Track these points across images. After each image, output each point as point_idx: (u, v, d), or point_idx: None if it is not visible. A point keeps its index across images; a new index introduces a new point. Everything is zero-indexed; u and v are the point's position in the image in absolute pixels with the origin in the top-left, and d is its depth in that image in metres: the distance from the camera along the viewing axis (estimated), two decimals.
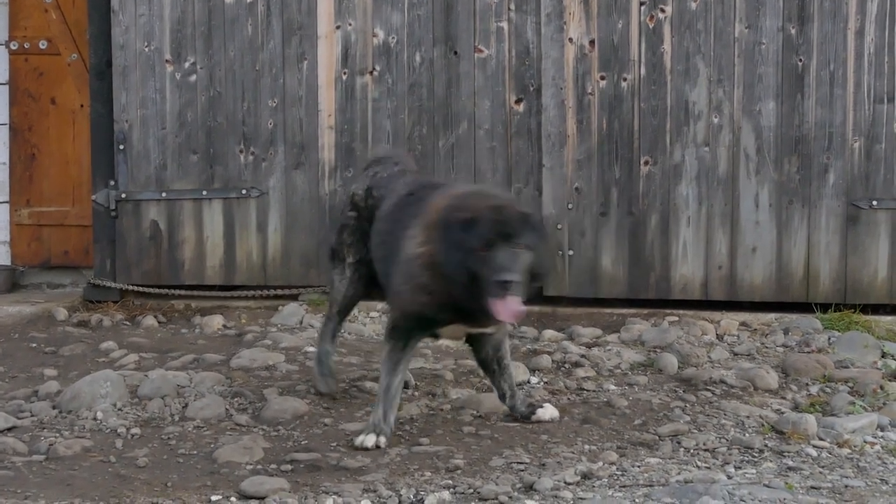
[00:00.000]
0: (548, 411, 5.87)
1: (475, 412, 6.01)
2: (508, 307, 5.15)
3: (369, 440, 5.47)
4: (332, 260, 6.34)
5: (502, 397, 5.93)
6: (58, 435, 5.74)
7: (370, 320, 7.94)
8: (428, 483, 5.05)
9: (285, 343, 7.33)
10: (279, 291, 8.32)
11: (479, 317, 5.38)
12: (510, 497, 4.83)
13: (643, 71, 8.07)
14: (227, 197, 8.40)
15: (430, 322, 5.56)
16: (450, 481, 5.06)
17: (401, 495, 4.90)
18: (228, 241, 8.44)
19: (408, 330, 5.60)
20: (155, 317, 8.15)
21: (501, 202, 5.40)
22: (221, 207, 8.42)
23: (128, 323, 8.13)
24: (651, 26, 8.05)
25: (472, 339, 5.85)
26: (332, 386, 6.27)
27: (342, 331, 7.03)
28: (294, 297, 8.27)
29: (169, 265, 8.49)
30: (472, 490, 4.92)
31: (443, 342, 6.80)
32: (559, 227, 8.11)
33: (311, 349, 7.15)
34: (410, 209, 5.68)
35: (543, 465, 5.27)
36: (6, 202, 9.50)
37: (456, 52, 8.22)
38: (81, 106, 9.15)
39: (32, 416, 6.03)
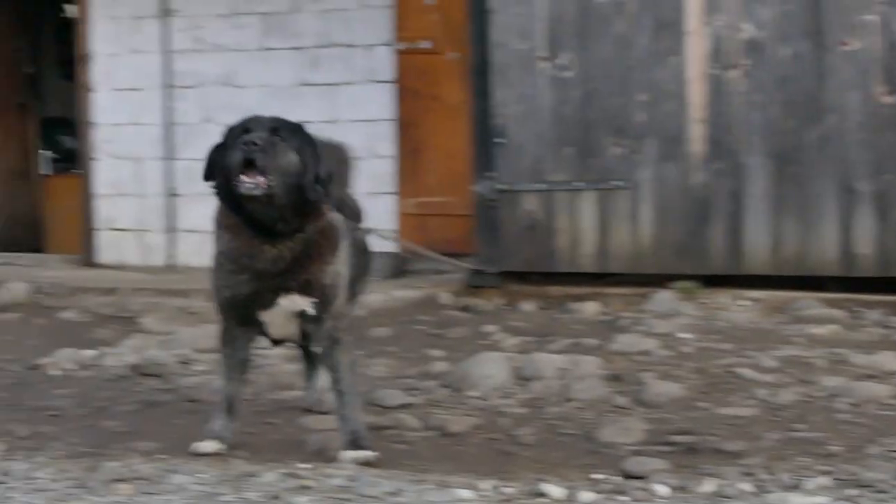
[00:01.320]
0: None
1: (850, 400, 5.97)
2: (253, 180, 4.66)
3: (206, 446, 5.14)
4: None
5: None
6: (447, 412, 5.91)
7: (742, 308, 8.00)
8: (805, 469, 5.00)
9: (659, 329, 7.44)
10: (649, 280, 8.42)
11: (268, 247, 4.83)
12: (892, 485, 4.72)
13: None
14: (600, 188, 8.60)
15: (244, 305, 5.02)
16: (827, 468, 5.00)
17: (780, 480, 4.84)
18: (602, 231, 8.63)
19: (229, 329, 5.17)
20: (533, 302, 8.38)
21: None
22: (595, 198, 8.62)
23: (507, 308, 8.35)
24: None
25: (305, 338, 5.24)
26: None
27: None
28: (665, 285, 8.33)
29: (545, 253, 8.74)
30: (850, 477, 4.84)
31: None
32: None
33: (684, 335, 7.32)
34: None
35: None
36: (394, 193, 9.95)
37: (823, 46, 8.23)
38: (460, 102, 9.40)
39: (423, 393, 6.28)
